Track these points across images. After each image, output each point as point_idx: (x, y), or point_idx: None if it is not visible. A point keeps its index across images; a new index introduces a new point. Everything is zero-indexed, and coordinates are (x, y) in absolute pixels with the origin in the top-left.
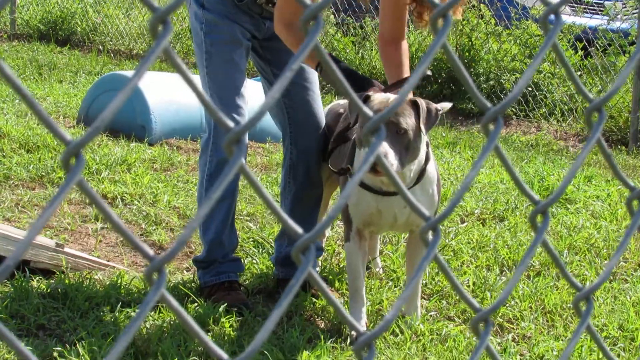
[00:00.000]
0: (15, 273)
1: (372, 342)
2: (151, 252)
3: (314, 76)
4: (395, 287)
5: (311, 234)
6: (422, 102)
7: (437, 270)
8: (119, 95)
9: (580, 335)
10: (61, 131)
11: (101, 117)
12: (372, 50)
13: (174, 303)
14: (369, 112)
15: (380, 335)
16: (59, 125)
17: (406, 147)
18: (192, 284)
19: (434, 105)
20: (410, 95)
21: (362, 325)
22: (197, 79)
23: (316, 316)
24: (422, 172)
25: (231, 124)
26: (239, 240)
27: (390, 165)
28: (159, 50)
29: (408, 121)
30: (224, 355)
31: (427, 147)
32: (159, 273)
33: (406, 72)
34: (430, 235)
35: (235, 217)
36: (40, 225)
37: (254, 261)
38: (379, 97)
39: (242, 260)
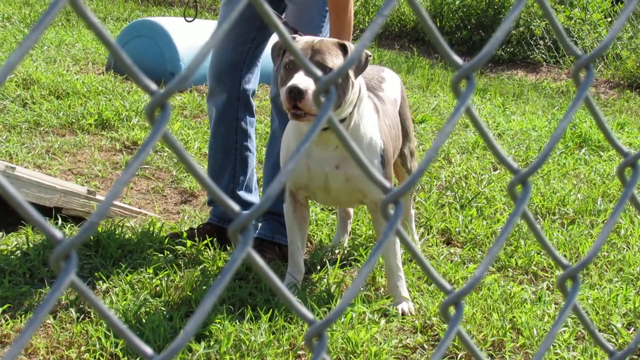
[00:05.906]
0: (48, 220)
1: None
2: (237, 207)
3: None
4: (428, 234)
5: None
6: (351, 45)
7: (470, 218)
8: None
9: None
10: (146, 80)
11: (188, 66)
12: None
13: (260, 262)
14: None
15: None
16: (88, 72)
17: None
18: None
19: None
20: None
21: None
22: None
23: (349, 266)
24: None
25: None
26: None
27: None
28: None
29: (335, 61)
30: (310, 315)
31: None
32: (244, 230)
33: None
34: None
35: None
36: (127, 178)
37: None
38: (303, 39)
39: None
